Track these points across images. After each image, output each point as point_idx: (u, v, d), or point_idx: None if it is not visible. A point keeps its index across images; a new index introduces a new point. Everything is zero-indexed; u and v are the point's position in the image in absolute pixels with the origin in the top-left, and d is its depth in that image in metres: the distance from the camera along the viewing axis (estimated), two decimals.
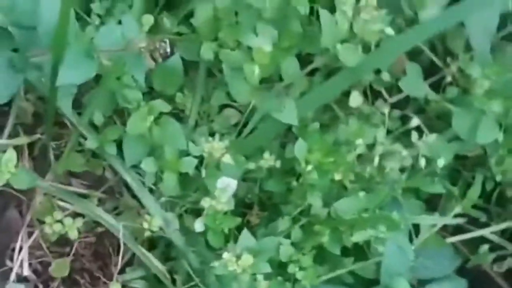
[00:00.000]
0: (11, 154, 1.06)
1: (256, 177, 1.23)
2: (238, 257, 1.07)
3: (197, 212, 1.17)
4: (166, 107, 1.13)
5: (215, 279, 1.12)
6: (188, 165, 1.13)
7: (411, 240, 1.26)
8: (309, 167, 1.16)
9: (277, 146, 1.24)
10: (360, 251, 1.27)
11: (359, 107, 1.27)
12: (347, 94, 1.25)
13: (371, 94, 1.31)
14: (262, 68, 1.12)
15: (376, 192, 1.23)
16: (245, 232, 1.14)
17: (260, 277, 1.13)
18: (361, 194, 1.20)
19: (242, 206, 1.24)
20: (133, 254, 1.24)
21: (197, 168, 1.17)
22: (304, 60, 1.20)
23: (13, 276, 1.21)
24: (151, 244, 1.22)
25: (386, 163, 1.24)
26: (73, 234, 1.14)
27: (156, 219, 1.13)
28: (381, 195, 1.23)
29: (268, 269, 1.10)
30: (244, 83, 1.13)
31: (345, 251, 1.26)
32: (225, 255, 1.07)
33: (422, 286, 1.29)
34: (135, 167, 1.16)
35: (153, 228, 1.13)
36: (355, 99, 1.25)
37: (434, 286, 1.30)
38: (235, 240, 1.13)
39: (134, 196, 1.21)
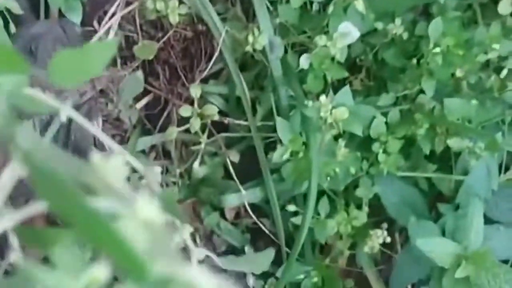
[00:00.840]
0: None
1: (375, 43, 1.13)
2: (334, 107, 0.99)
3: (303, 51, 1.08)
4: None
5: (299, 121, 1.03)
6: None
7: None
8: (436, 50, 1.05)
9: (409, 19, 1.14)
10: (444, 164, 1.18)
11: (503, 17, 1.16)
12: (495, 2, 1.15)
13: None
14: None
15: (488, 107, 1.13)
16: (347, 89, 1.05)
17: (342, 142, 1.05)
18: (474, 102, 1.10)
19: (350, 66, 1.14)
20: (222, 69, 1.16)
21: (323, 7, 1.07)
22: None
23: (95, 40, 1.12)
24: (244, 66, 1.13)
25: (510, 83, 1.13)
26: (173, 19, 1.04)
27: (264, 37, 1.04)
28: (493, 112, 1.13)
29: (359, 131, 1.01)
30: None
31: (431, 157, 1.17)
32: (323, 98, 0.98)
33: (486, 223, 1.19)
34: None
35: (257, 45, 1.03)
36: (505, 7, 1.14)
37: (500, 228, 1.21)
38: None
39: (245, 11, 1.12)
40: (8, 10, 1.04)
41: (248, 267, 0.63)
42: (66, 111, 0.44)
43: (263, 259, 0.53)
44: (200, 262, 0.67)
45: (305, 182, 1.05)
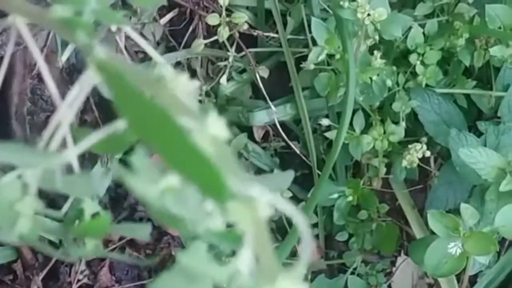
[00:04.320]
0: None
1: None
2: (373, 9, 0.93)
3: None
4: None
5: (335, 25, 0.97)
6: None
7: None
8: None
9: None
10: (483, 82, 1.13)
11: None
12: None
13: None
14: None
15: None
16: None
17: (378, 53, 1.00)
18: None
19: None
20: None
21: None
22: None
23: None
24: None
25: None
26: None
27: None
28: None
29: (398, 32, 0.96)
30: None
31: (469, 74, 1.12)
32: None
33: None
34: None
35: None
36: None
37: None
38: None
39: None
40: None
41: (268, 185, 0.59)
42: None
43: (284, 178, 0.50)
44: None
45: (340, 92, 1.00)
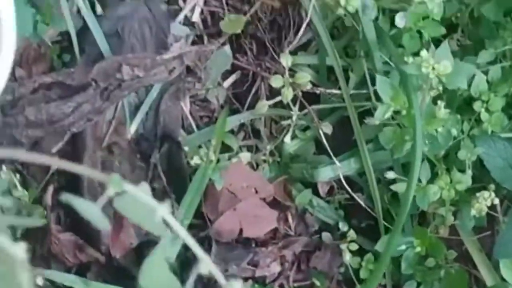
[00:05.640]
0: None
1: (470, 1, 1.09)
2: (437, 62, 0.95)
3: (394, 16, 1.05)
4: None
5: (398, 80, 0.99)
6: None
7: None
8: None
9: None
10: None
11: None
12: None
13: None
14: None
15: None
16: (445, 45, 1.00)
17: (441, 103, 1.01)
18: None
19: (445, 25, 1.09)
20: (310, 40, 1.13)
21: None
22: None
23: (181, 17, 1.11)
24: (332, 36, 1.10)
25: None
26: None
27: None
28: None
29: (464, 84, 0.97)
30: None
31: None
32: (424, 53, 0.95)
33: None
34: None
35: (349, 7, 1.00)
36: None
37: None
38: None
39: None
40: None
41: None
42: None
43: None
44: None
45: (405, 146, 1.01)
